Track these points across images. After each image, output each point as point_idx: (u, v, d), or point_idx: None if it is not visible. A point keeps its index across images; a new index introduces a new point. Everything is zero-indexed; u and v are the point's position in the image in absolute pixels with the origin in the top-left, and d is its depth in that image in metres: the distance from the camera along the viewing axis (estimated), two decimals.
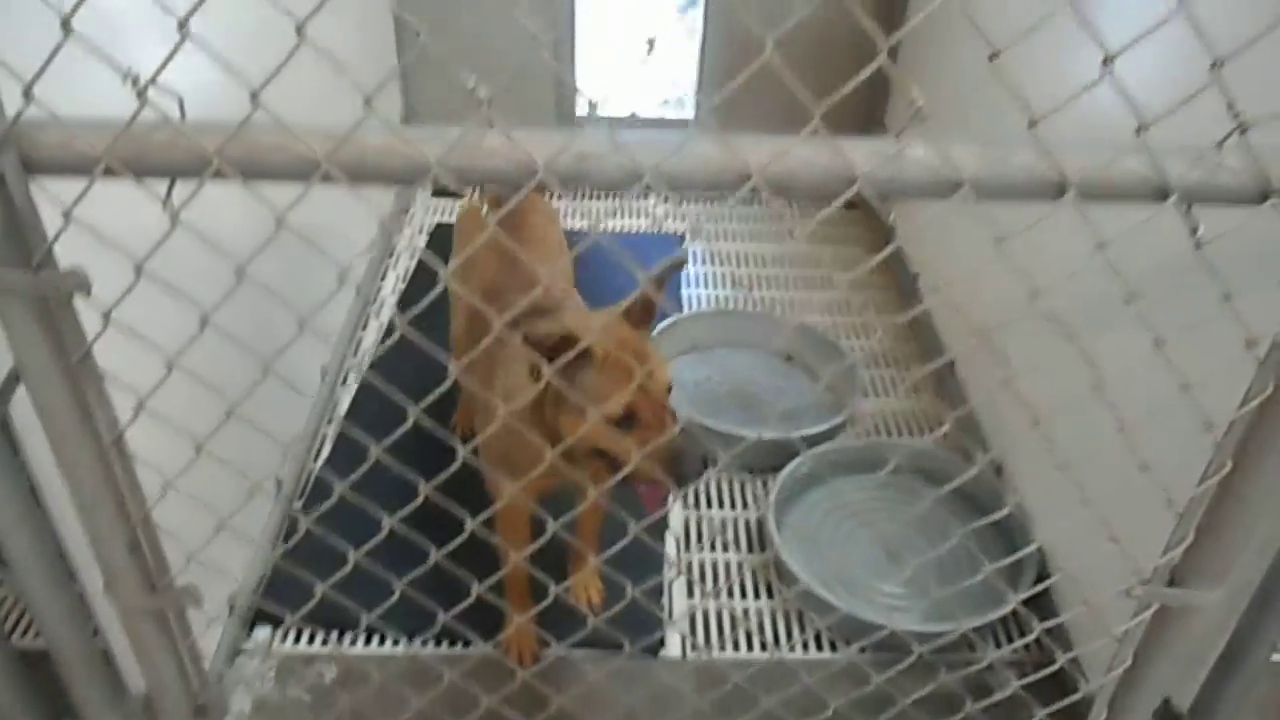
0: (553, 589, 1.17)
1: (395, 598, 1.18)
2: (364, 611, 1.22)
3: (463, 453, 1.01)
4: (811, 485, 2.06)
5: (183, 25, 0.78)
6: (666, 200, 3.24)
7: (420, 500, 1.05)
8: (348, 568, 1.15)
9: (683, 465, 1.26)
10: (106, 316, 0.89)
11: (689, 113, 3.31)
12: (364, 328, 2.62)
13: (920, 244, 2.67)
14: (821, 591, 1.74)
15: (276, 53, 0.79)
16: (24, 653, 1.29)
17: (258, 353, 0.95)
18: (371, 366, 2.39)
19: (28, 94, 0.77)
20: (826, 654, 1.77)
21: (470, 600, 1.16)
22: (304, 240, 0.91)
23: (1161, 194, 0.80)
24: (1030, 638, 1.73)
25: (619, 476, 1.16)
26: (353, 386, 2.39)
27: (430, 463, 1.07)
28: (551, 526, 1.10)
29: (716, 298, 2.79)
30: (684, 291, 2.79)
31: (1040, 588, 1.66)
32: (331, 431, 2.24)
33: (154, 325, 0.92)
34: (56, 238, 0.85)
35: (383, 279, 2.82)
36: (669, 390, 1.33)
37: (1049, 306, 0.88)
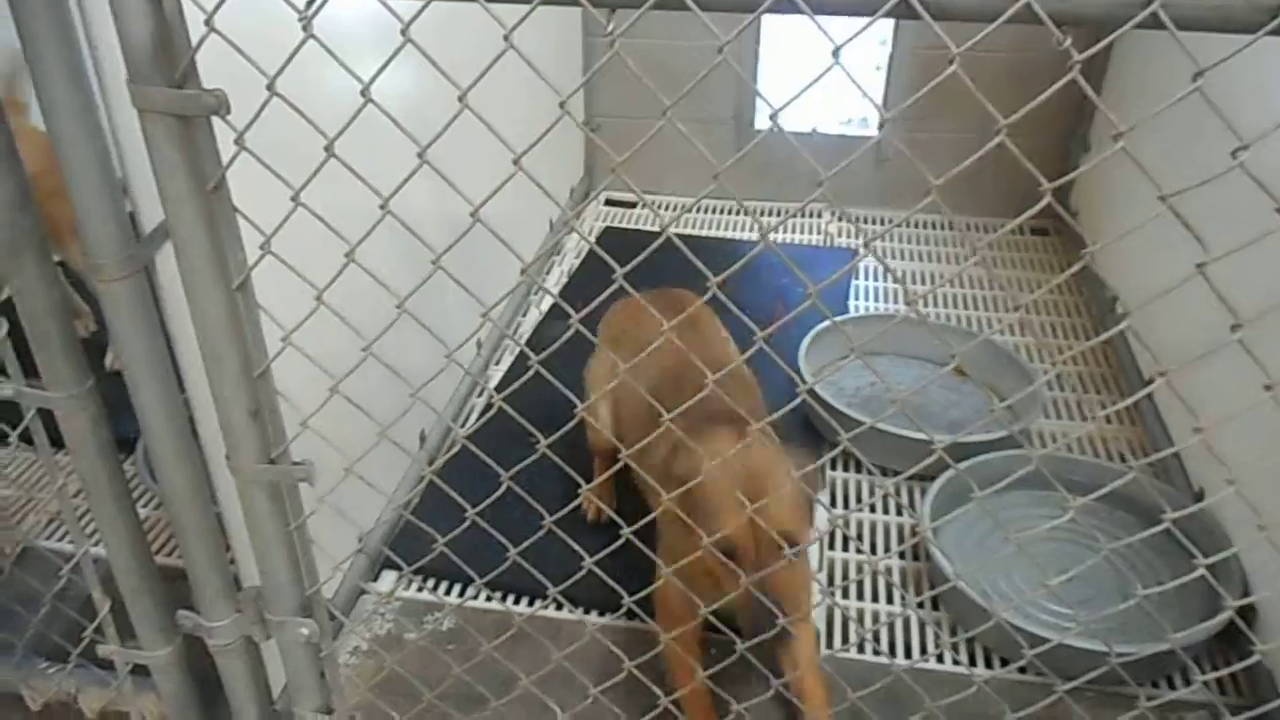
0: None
1: (507, 563, 1.18)
2: (477, 567, 1.21)
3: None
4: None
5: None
6: (839, 218, 3.14)
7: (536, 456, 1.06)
8: (464, 525, 1.14)
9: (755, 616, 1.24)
10: (239, 141, 0.89)
11: (871, 129, 3.21)
12: (524, 314, 2.64)
13: (1118, 269, 2.45)
14: (972, 593, 1.56)
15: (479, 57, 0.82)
16: (163, 567, 1.34)
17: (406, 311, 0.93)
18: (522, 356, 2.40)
19: None
20: (980, 670, 1.58)
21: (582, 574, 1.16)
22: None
23: None
24: (1200, 680, 1.47)
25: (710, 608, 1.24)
26: (505, 365, 2.41)
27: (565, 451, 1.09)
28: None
29: (888, 306, 2.65)
30: (852, 304, 2.67)
31: (1229, 613, 1.42)
32: (480, 403, 2.25)
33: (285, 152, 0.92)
34: (198, 46, 0.86)
35: (548, 272, 2.85)
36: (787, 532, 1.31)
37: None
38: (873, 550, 1.84)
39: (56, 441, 1.20)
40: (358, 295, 1.01)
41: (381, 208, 0.91)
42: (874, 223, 3.13)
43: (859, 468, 2.05)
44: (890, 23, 2.98)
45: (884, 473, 2.01)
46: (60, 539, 1.85)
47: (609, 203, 3.23)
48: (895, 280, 2.79)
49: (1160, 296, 0.85)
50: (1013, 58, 2.38)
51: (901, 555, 1.84)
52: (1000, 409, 2.13)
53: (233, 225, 0.96)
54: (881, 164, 3.11)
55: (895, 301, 2.70)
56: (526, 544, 1.16)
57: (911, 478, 1.98)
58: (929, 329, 2.41)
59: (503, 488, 1.08)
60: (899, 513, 1.94)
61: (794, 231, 3.10)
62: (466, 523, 1.13)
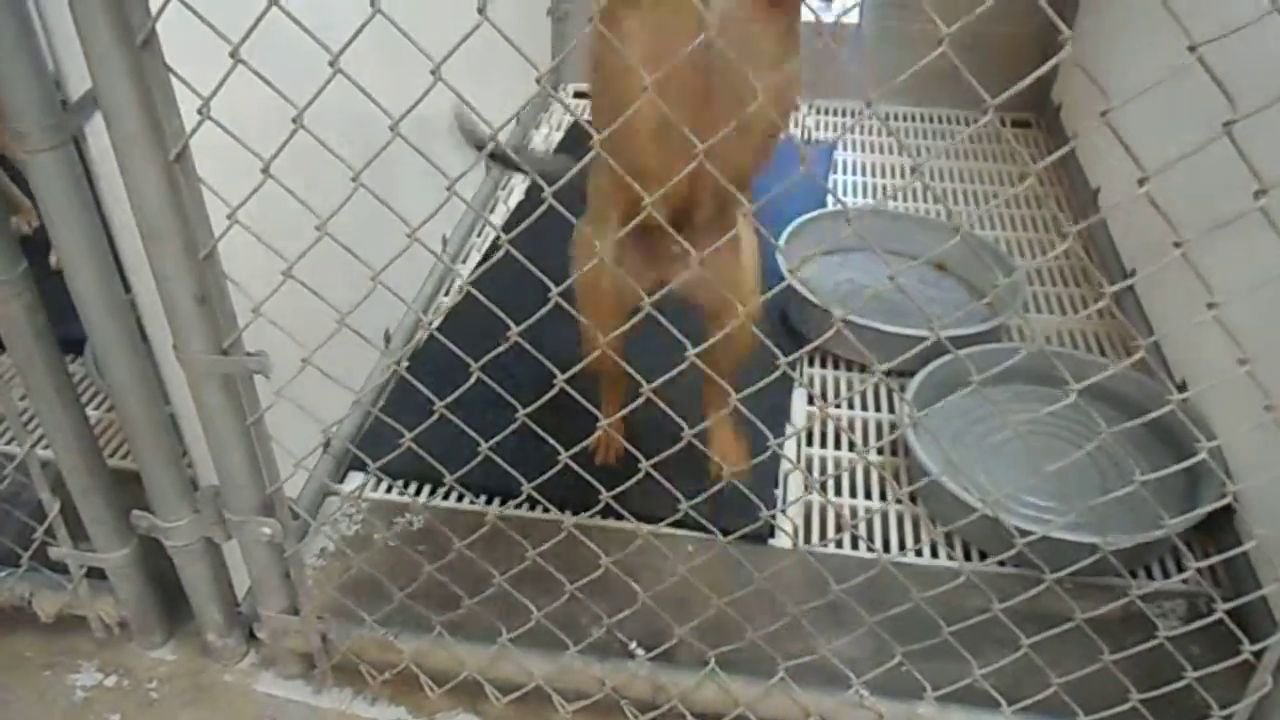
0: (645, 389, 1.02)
1: (479, 459, 1.13)
2: (449, 469, 1.15)
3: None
4: (955, 389, 1.84)
5: None
6: (818, 112, 3.04)
7: (509, 344, 1.00)
8: (432, 418, 1.07)
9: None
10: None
11: (853, 17, 3.09)
12: (492, 210, 2.54)
13: (1101, 160, 2.39)
14: (954, 487, 1.54)
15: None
16: (116, 470, 1.27)
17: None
18: (494, 245, 2.31)
19: None
20: (959, 564, 1.57)
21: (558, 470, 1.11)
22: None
23: None
24: (1194, 568, 1.46)
25: None
26: (473, 261, 2.32)
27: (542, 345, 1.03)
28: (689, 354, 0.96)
29: (865, 199, 2.58)
30: (831, 203, 2.59)
31: (1207, 511, 1.42)
32: (448, 302, 2.17)
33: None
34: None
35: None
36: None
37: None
38: (851, 446, 1.81)
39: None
40: (311, 175, 0.92)
41: (331, 65, 0.82)
42: (853, 115, 3.04)
43: (837, 364, 2.00)
44: None
45: (862, 370, 1.98)
46: (7, 442, 1.77)
47: (578, 95, 3.11)
48: (873, 174, 2.72)
49: (1174, 163, 0.78)
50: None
51: (880, 451, 1.81)
52: (976, 303, 2.10)
53: (167, 87, 0.87)
54: (859, 53, 3.01)
55: (874, 197, 2.63)
56: (497, 439, 1.10)
57: (888, 373, 1.94)
58: (908, 222, 2.35)
59: (472, 379, 1.01)
60: (877, 408, 1.91)
61: None
62: (435, 416, 1.07)
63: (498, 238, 0.92)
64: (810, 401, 1.90)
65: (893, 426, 1.85)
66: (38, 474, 1.24)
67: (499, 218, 2.50)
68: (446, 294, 2.20)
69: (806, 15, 1.12)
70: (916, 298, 2.12)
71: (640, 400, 1.04)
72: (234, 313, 1.03)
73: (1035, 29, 2.75)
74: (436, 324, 2.07)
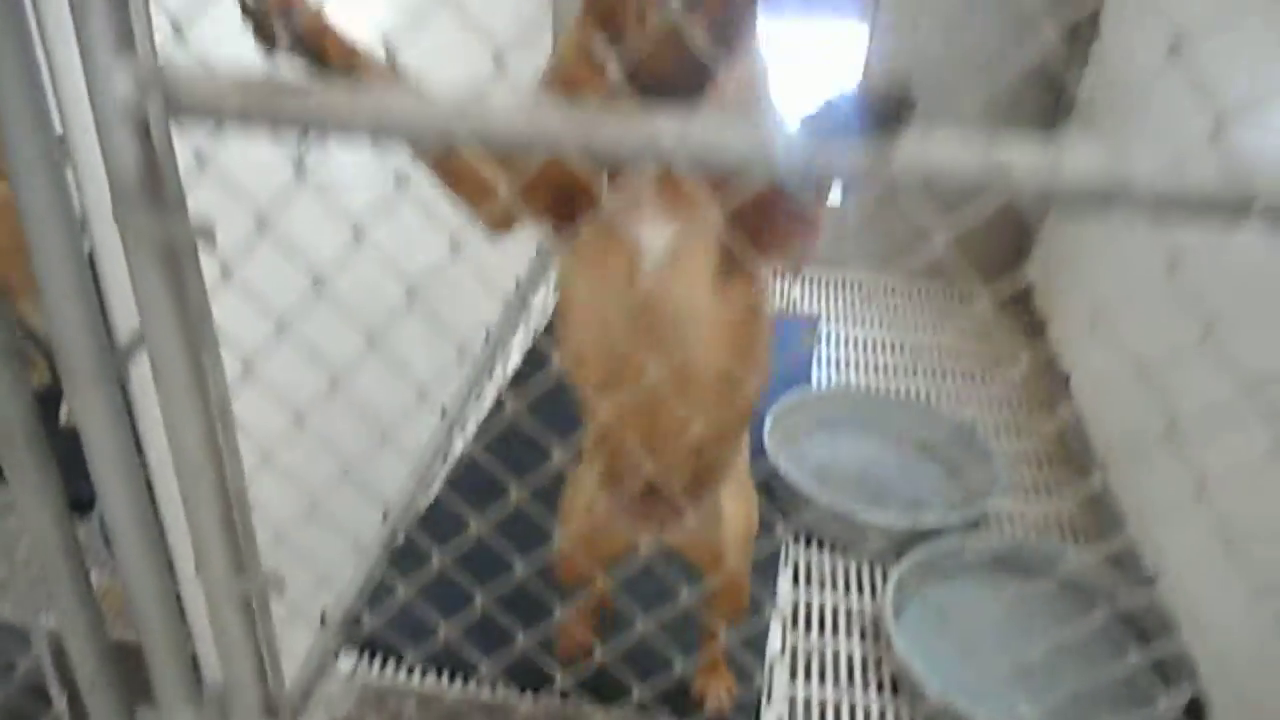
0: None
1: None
2: (447, 649, 1.19)
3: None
4: (933, 580, 1.91)
5: None
6: (800, 280, 3.19)
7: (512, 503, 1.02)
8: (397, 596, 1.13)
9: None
10: (226, 268, 0.89)
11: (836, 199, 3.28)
12: (491, 376, 2.64)
13: (1076, 342, 2.52)
14: (936, 695, 1.59)
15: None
16: (118, 643, 1.30)
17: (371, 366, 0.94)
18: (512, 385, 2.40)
19: (178, 31, 0.79)
20: None
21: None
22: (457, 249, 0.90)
23: None
24: None
25: None
26: (470, 433, 2.41)
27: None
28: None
29: (850, 383, 2.69)
30: (815, 373, 2.71)
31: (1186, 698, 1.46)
32: (445, 471, 2.24)
33: (273, 291, 0.93)
34: (187, 179, 0.86)
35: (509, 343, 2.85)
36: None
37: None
38: (834, 630, 1.86)
39: None
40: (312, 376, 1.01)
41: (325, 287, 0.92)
42: (835, 285, 3.19)
43: (821, 545, 2.07)
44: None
45: (845, 551, 2.04)
46: None
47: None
48: (857, 349, 2.84)
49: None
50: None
51: (862, 636, 1.86)
52: (955, 487, 2.18)
53: (215, 352, 0.96)
54: (843, 227, 3.18)
55: (859, 370, 2.74)
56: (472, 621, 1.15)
57: (877, 559, 2.01)
58: (887, 403, 2.45)
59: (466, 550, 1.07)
60: (860, 592, 1.96)
61: None
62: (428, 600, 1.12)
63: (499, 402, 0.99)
64: (795, 582, 1.96)
65: (875, 621, 1.90)
66: (45, 657, 1.27)
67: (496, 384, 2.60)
68: (443, 461, 2.27)
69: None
70: (899, 480, 2.21)
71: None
72: (254, 534, 1.10)
73: (1011, 207, 2.94)
74: (430, 498, 2.13)
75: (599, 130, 0.77)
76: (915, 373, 2.72)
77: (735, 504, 1.36)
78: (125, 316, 1.01)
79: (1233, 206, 0.71)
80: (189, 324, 0.93)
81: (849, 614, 1.92)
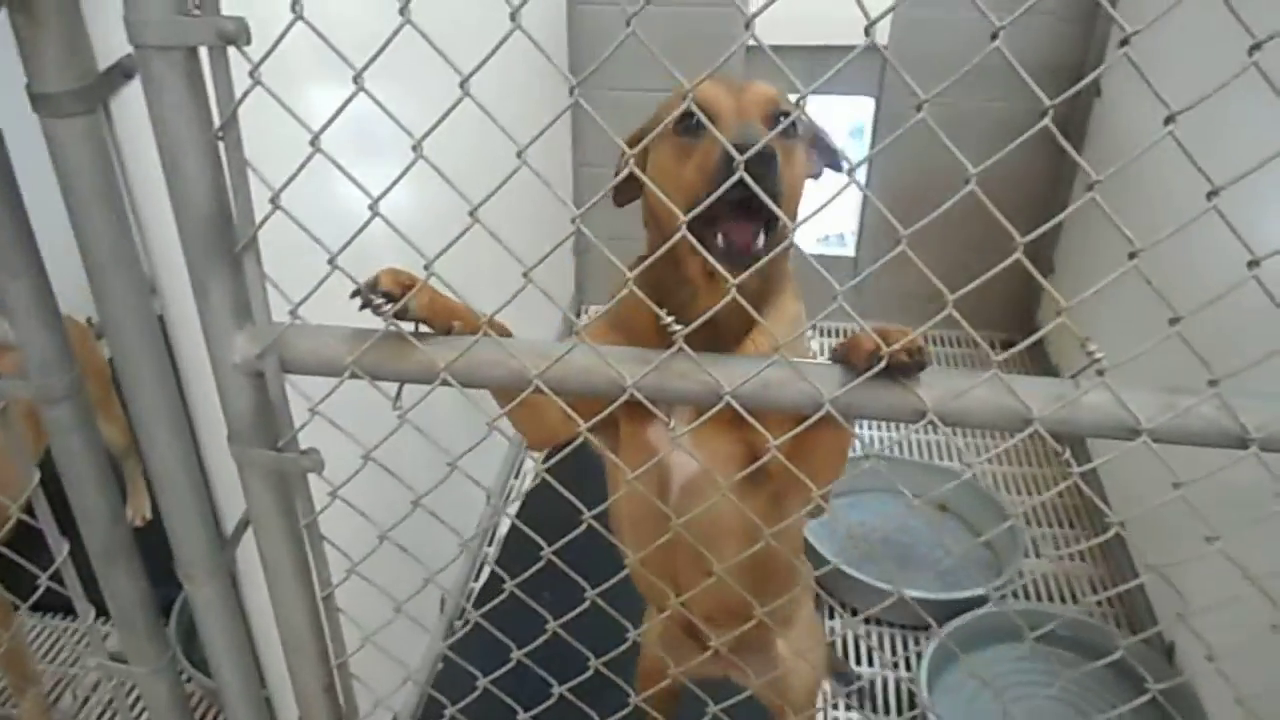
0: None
1: None
2: None
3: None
4: (966, 650, 2.01)
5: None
6: (822, 335, 3.29)
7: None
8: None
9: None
10: (334, 494, 1.00)
11: (849, 250, 3.37)
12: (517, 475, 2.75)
13: None
14: None
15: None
16: None
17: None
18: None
19: (293, 313, 0.90)
20: None
21: None
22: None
23: None
24: None
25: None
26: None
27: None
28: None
29: (873, 439, 2.79)
30: None
31: None
32: (491, 552, 2.35)
33: (370, 498, 1.04)
34: (301, 428, 0.97)
35: None
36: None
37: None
38: (873, 708, 1.97)
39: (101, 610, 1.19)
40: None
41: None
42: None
43: (854, 613, 2.17)
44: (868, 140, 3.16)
45: (879, 621, 2.15)
46: None
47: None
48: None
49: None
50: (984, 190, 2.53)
51: (899, 711, 1.96)
52: (979, 549, 2.28)
53: (320, 548, 1.07)
54: (858, 279, 3.27)
55: (879, 427, 2.84)
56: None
57: (909, 627, 2.11)
58: (907, 466, 2.55)
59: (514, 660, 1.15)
60: (895, 665, 2.07)
61: None
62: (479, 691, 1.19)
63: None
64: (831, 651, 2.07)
65: (911, 697, 2.00)
66: None
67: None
68: (490, 543, 2.39)
69: None
70: (925, 542, 2.31)
71: None
72: (353, 689, 1.21)
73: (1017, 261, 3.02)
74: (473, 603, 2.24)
75: (669, 383, 0.88)
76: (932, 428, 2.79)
77: (800, 652, 1.41)
78: (231, 505, 1.12)
79: (1230, 443, 0.81)
80: (296, 534, 1.04)
81: (884, 684, 2.02)
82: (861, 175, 3.34)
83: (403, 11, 0.75)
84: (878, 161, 3.13)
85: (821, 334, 3.28)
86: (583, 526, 1.00)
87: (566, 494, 1.00)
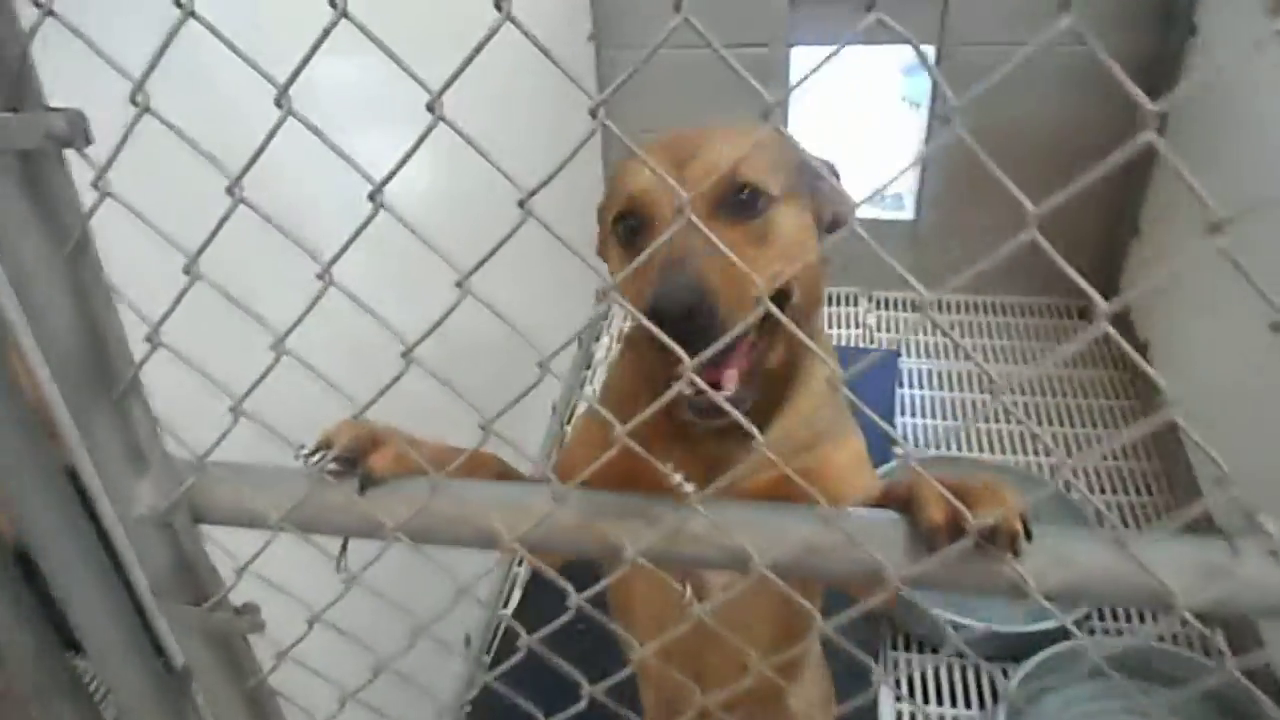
0: None
1: None
2: None
3: None
4: (1050, 688, 1.80)
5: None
6: (878, 307, 3.03)
7: None
8: None
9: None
10: (281, 656, 0.82)
11: (908, 213, 3.08)
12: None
13: (1173, 365, 2.33)
14: None
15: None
16: None
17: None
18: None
19: (200, 467, 0.71)
20: None
21: None
22: None
23: None
24: None
25: None
26: None
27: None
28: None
29: (934, 428, 2.55)
30: (899, 420, 2.57)
31: None
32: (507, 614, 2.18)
33: (330, 654, 0.86)
34: (231, 587, 0.79)
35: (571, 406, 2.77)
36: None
37: None
38: None
39: None
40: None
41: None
42: (910, 308, 3.01)
43: (922, 647, 1.97)
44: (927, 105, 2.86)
45: (958, 654, 1.94)
46: None
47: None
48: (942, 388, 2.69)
49: None
50: (1057, 139, 2.24)
51: None
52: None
53: (276, 711, 0.90)
54: (917, 246, 2.99)
55: (943, 414, 2.60)
56: None
57: (993, 658, 1.90)
58: (984, 469, 2.32)
59: None
60: (967, 704, 1.87)
61: (832, 324, 2.98)
62: None
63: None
64: (898, 699, 1.87)
65: None
66: None
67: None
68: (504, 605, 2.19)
69: None
70: None
71: None
72: None
73: (1099, 224, 2.72)
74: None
75: (681, 549, 0.68)
76: (1003, 418, 2.53)
77: (812, 702, 1.30)
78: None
79: None
80: (246, 694, 0.86)
81: None
82: (919, 130, 3.05)
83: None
84: (938, 113, 2.83)
85: (878, 305, 3.02)
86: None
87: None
